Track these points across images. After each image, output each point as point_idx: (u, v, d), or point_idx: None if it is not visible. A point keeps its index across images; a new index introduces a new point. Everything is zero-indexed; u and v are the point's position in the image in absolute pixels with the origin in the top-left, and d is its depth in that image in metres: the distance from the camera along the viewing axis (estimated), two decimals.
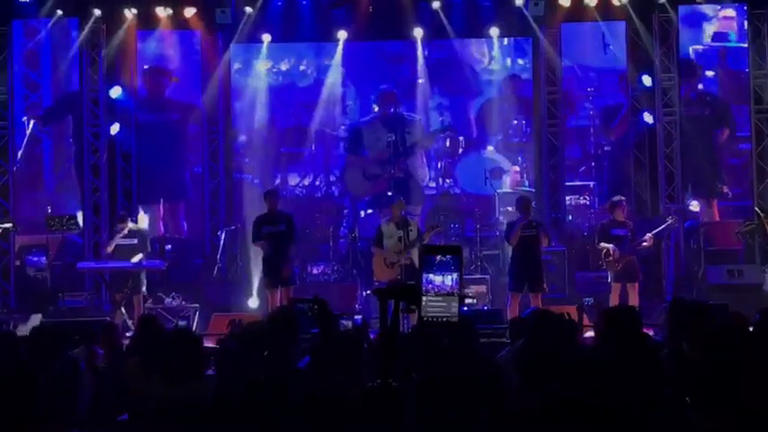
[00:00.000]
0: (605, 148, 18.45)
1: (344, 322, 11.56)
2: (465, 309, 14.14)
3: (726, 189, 17.04)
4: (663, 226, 14.29)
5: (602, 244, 13.76)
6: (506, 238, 13.91)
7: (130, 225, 14.43)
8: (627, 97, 16.98)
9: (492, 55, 18.88)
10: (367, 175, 17.44)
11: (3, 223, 15.46)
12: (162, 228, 17.14)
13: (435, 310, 3.70)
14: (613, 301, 13.37)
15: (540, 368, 5.30)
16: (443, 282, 3.70)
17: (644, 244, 13.78)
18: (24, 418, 3.94)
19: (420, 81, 18.25)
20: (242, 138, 18.55)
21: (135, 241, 14.21)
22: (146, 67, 17.45)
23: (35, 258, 16.21)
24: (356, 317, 13.09)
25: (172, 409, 5.38)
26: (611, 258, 13.61)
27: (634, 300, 13.42)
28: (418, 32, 17.07)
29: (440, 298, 3.70)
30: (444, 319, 3.71)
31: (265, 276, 14.05)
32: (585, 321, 11.05)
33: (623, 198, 14.15)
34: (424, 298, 3.69)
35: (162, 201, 17.09)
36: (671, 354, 6.17)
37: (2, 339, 8.31)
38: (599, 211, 17.63)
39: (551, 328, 6.79)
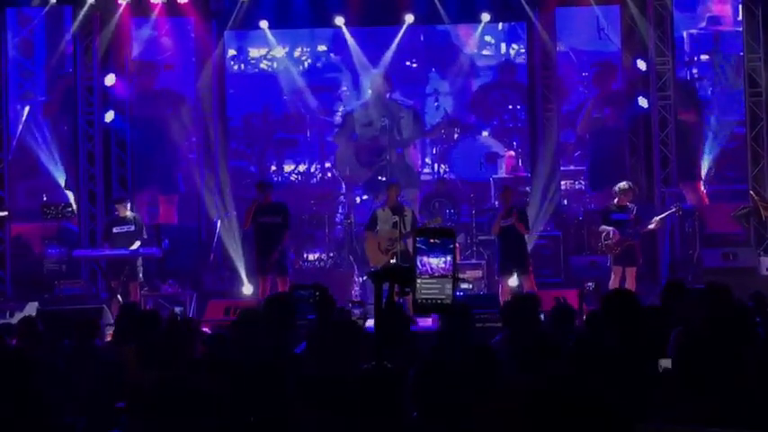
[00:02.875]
0: (600, 133, 18.49)
1: (356, 311, 11.61)
2: (460, 293, 14.20)
3: (702, 172, 17.10)
4: (666, 213, 14.34)
5: (603, 227, 13.82)
6: (491, 227, 14.11)
7: (127, 213, 14.41)
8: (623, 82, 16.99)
9: (486, 40, 18.89)
10: (361, 161, 17.42)
11: None
12: (158, 217, 17.17)
13: (429, 293, 3.71)
14: (613, 284, 13.42)
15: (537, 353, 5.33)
16: (437, 264, 3.71)
17: (650, 227, 13.87)
18: (22, 404, 3.95)
19: (408, 64, 18.24)
20: (236, 125, 18.54)
21: (132, 228, 14.20)
22: (136, 60, 17.37)
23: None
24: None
25: (164, 395, 5.38)
26: (609, 242, 13.65)
27: (631, 284, 13.45)
28: (409, 18, 17.00)
29: (434, 280, 3.71)
30: (438, 301, 3.71)
31: (257, 264, 14.11)
32: (585, 307, 11.11)
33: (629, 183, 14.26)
34: (418, 280, 3.70)
35: (158, 192, 17.11)
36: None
37: None
38: (594, 196, 17.66)
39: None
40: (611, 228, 13.68)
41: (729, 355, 4.21)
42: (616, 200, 13.96)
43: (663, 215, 14.31)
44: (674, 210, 14.39)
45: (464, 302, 9.55)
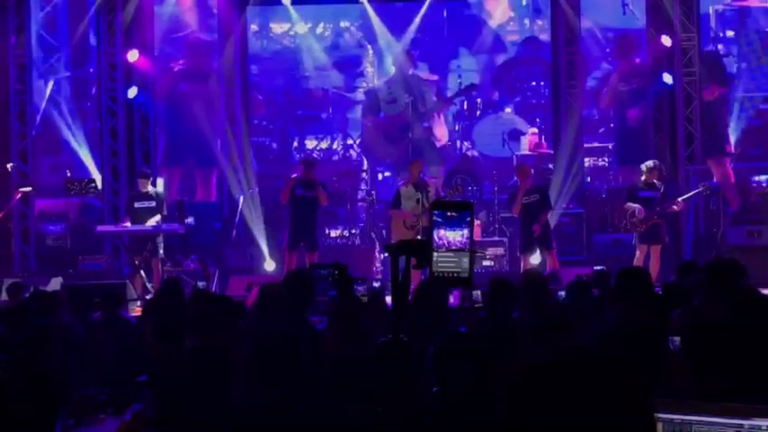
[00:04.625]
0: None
1: (358, 288, 11.55)
2: (482, 270, 14.20)
3: (732, 148, 16.94)
4: (693, 192, 14.24)
5: (629, 204, 13.73)
6: (509, 208, 14.04)
7: (149, 188, 14.45)
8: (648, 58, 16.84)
9: (510, 16, 18.77)
10: (389, 139, 17.39)
11: (22, 187, 15.51)
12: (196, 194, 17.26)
13: (446, 266, 3.70)
14: (637, 262, 13.29)
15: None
16: (454, 237, 3.69)
17: (674, 207, 13.76)
18: (42, 376, 3.97)
19: (430, 40, 18.17)
20: (259, 101, 18.53)
21: (153, 204, 14.23)
22: (159, 36, 17.34)
23: (54, 227, 16.21)
24: (375, 283, 13.12)
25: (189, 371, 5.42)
26: (635, 219, 13.55)
27: (655, 262, 13.37)
28: None
29: (451, 253, 3.69)
30: (455, 275, 3.70)
31: (289, 237, 14.14)
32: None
33: (657, 162, 14.15)
34: (435, 254, 3.68)
35: (194, 167, 17.21)
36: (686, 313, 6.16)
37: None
38: (617, 173, 17.56)
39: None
40: (637, 205, 13.59)
41: (734, 336, 4.17)
42: (643, 177, 13.86)
43: (688, 195, 14.19)
44: (700, 190, 14.27)
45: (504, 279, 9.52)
